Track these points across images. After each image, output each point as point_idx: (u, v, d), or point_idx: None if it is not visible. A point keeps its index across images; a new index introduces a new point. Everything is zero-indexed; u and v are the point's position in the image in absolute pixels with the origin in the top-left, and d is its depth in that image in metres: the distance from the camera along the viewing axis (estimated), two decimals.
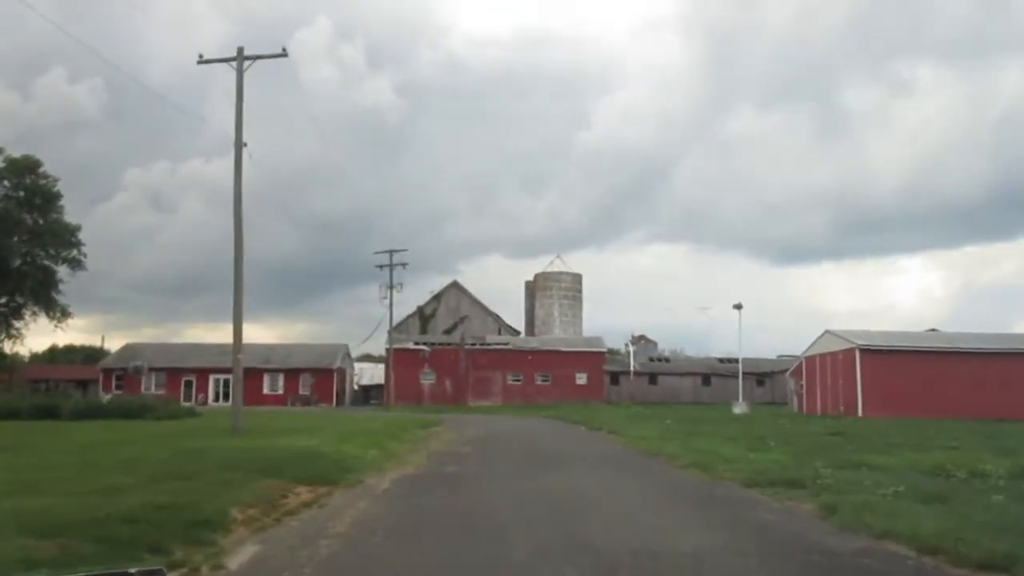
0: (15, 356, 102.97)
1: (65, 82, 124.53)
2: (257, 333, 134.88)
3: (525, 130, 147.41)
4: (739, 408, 54.90)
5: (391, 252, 72.36)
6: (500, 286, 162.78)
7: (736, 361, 78.74)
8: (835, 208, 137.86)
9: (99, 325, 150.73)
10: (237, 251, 25.09)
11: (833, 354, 48.08)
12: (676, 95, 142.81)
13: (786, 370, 76.43)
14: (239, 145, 25.36)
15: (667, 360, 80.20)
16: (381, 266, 72.42)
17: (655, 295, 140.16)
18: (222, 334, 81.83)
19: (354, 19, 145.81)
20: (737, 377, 75.97)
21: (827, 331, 49.74)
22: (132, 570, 1.26)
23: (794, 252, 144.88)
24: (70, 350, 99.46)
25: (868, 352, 45.01)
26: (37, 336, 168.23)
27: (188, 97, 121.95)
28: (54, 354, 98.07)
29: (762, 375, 75.77)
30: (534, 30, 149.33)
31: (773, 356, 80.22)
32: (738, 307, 57.07)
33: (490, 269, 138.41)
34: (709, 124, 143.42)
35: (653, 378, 77.17)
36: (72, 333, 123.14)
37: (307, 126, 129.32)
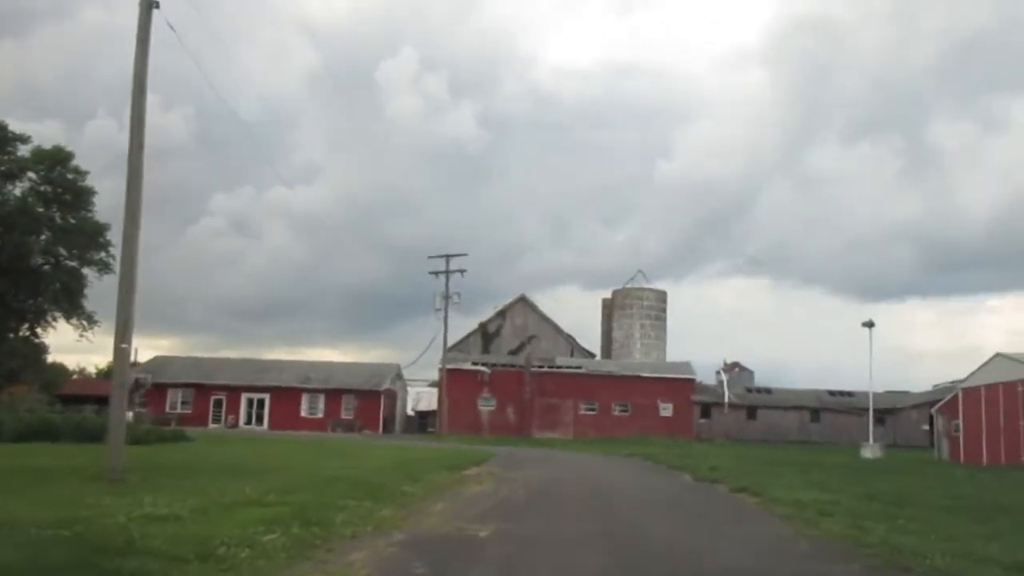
0: (61, 369, 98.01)
1: (159, 109, 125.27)
2: (331, 358, 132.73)
3: (605, 161, 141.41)
4: (869, 451, 43.72)
5: (447, 257, 62.96)
6: (575, 317, 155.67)
7: (851, 395, 67.34)
8: (921, 245, 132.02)
9: (181, 347, 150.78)
10: (130, 195, 15.59)
11: (1010, 385, 36.62)
12: (760, 127, 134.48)
13: (912, 406, 64.61)
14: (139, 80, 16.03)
15: (768, 392, 68.68)
16: (436, 273, 63.09)
17: (735, 329, 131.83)
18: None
19: (439, 49, 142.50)
20: (853, 414, 64.65)
21: (999, 355, 38.24)
22: None
23: (878, 289, 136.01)
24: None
25: None
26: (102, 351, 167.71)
27: (274, 127, 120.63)
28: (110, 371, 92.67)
29: (881, 412, 63.61)
30: (619, 61, 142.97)
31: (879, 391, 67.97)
32: (869, 325, 45.87)
33: (564, 299, 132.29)
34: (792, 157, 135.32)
35: (752, 412, 65.73)
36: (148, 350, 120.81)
37: (391, 156, 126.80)
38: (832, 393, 67.90)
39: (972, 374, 40.58)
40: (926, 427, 63.04)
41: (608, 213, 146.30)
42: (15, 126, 54.46)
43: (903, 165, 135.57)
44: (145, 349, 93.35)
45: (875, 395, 62.79)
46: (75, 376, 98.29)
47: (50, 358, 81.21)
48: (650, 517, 12.72)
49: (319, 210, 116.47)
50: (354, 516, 11.13)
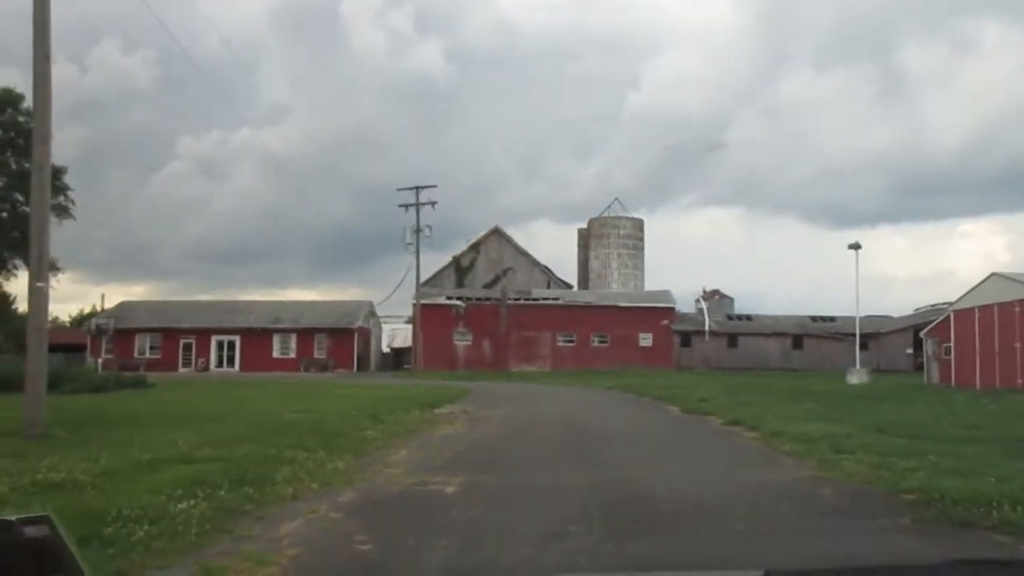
0: (22, 317, 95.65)
1: (119, 53, 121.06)
2: (306, 299, 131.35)
3: (575, 94, 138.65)
4: (856, 377, 42.64)
5: (416, 188, 60.84)
6: (550, 250, 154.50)
7: (832, 320, 66.46)
8: (892, 171, 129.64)
9: (155, 292, 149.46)
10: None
11: (1006, 306, 35.40)
12: (729, 57, 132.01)
13: (895, 331, 63.83)
14: None
15: (749, 319, 67.59)
16: (406, 206, 61.04)
17: (710, 260, 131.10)
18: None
19: None
20: (836, 339, 63.77)
21: (994, 274, 36.92)
22: (11, 518, 1.23)
23: (850, 217, 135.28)
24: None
25: None
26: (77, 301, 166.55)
27: (236, 69, 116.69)
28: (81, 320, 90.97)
29: (864, 337, 62.73)
30: None
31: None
32: (855, 247, 44.43)
33: (538, 233, 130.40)
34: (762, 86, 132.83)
35: (733, 339, 64.66)
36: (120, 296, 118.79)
37: (358, 94, 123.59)
38: (814, 319, 66.94)
39: (965, 295, 39.35)
40: (909, 351, 62.42)
41: (579, 147, 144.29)
42: None
43: (873, 93, 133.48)
44: (119, 296, 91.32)
45: (859, 319, 61.94)
46: (48, 325, 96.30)
47: (24, 307, 78.93)
48: (641, 462, 11.18)
49: (287, 151, 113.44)
50: (300, 471, 9.50)
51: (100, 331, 62.22)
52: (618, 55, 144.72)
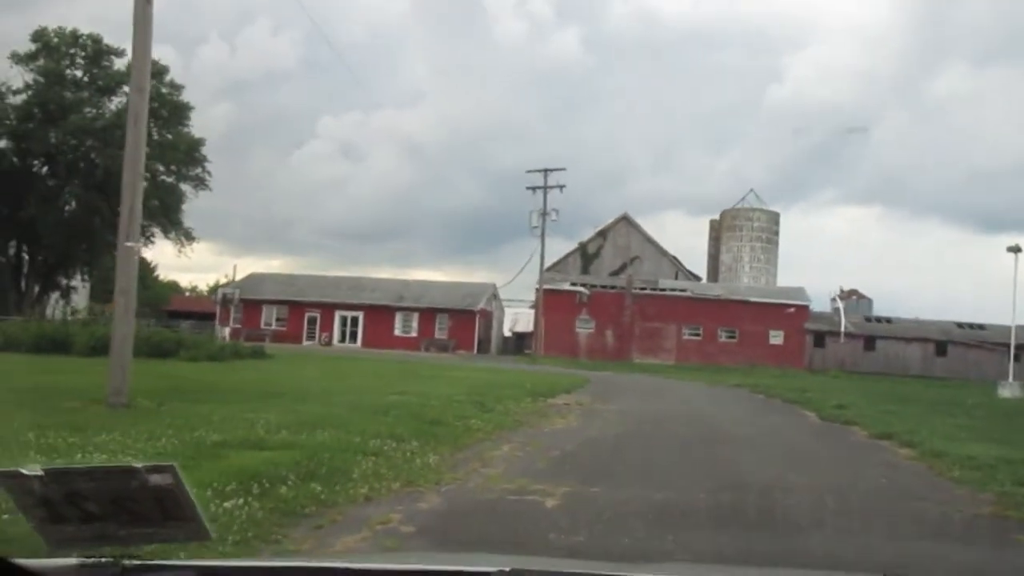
0: (174, 286, 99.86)
1: (268, 34, 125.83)
2: (434, 279, 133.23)
3: (714, 85, 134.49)
4: (1008, 390, 39.10)
5: (545, 171, 59.49)
6: (679, 243, 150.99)
7: (982, 327, 61.83)
8: None
9: (291, 267, 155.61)
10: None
11: None
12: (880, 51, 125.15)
13: None
14: None
15: (888, 321, 63.60)
16: (534, 188, 59.84)
17: (846, 259, 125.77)
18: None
19: None
20: (984, 348, 59.27)
21: None
22: (138, 465, 1.30)
23: (999, 221, 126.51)
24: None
25: None
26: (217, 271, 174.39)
27: (378, 53, 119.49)
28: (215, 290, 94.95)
29: (1017, 348, 58.04)
30: None
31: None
32: (1015, 250, 40.75)
33: (667, 225, 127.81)
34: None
35: (870, 342, 60.91)
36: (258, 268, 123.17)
37: (495, 80, 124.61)
38: (960, 325, 62.41)
39: None
40: None
41: (715, 139, 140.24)
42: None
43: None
44: (257, 268, 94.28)
45: (1007, 328, 57.38)
46: (187, 293, 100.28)
47: (166, 275, 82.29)
48: (783, 481, 9.49)
49: (423, 134, 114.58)
50: (383, 466, 8.32)
51: (226, 300, 63.67)
52: (762, 46, 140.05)
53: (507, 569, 1.40)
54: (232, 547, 5.13)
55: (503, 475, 8.60)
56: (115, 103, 54.67)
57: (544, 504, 7.13)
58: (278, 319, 65.21)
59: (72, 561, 1.39)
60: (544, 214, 58.89)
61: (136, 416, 10.70)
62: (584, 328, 61.71)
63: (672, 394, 26.21)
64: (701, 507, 7.43)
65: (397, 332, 64.15)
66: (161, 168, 56.56)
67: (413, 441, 10.09)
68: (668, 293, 61.95)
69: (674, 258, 71.16)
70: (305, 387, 17.52)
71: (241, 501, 6.05)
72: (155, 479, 1.32)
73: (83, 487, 1.32)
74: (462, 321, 63.59)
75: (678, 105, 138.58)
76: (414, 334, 63.93)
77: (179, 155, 55.98)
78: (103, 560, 1.39)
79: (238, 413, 11.07)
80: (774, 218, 75.23)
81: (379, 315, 64.04)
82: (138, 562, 1.40)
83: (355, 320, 64.60)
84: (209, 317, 67.55)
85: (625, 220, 72.13)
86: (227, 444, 8.44)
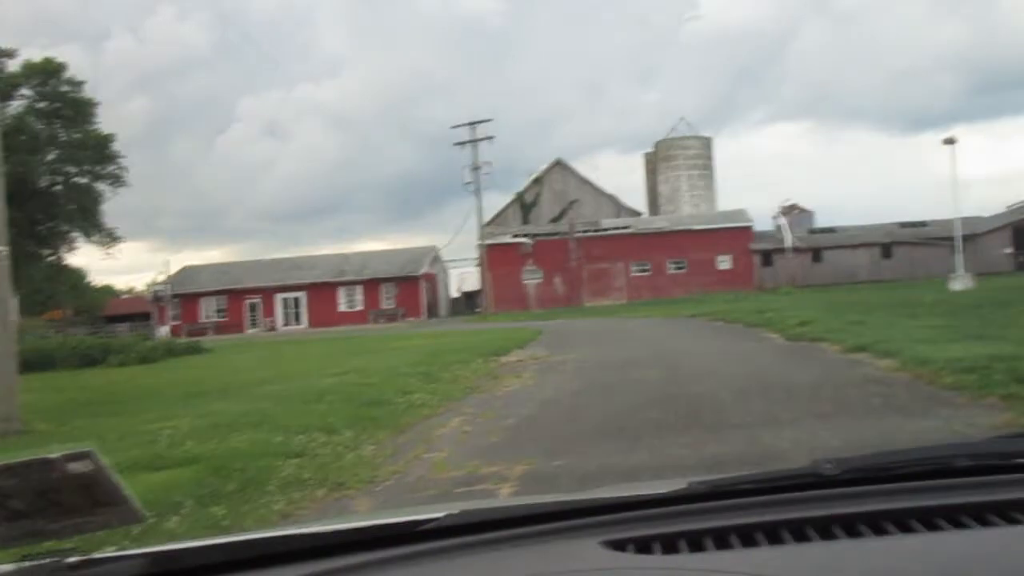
0: (109, 291, 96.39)
1: (174, 20, 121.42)
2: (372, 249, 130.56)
3: (631, 19, 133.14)
4: (960, 283, 38.95)
5: (472, 124, 57.92)
6: (616, 181, 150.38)
7: (924, 224, 61.98)
8: (963, 70, 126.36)
9: (230, 256, 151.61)
10: None
11: None
12: None
13: (990, 231, 59.09)
14: None
15: (832, 231, 63.43)
16: (462, 143, 58.25)
17: (782, 176, 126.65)
18: None
19: None
20: (929, 245, 59.46)
21: None
22: (55, 456, 1.24)
23: (922, 120, 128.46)
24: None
25: None
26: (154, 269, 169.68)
27: (292, 25, 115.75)
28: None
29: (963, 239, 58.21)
30: None
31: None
32: (950, 142, 40.32)
33: (602, 165, 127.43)
34: None
35: (817, 254, 60.71)
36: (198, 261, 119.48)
37: (413, 39, 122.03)
38: (903, 225, 62.49)
39: None
40: (1008, 250, 58.00)
41: (640, 73, 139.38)
42: (36, 56, 50.87)
43: None
44: (197, 261, 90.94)
45: (950, 222, 57.44)
46: (124, 296, 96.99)
47: (100, 280, 79.30)
48: (770, 418, 8.35)
49: (348, 104, 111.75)
50: (307, 469, 7.00)
51: (158, 299, 61.37)
52: None
53: (456, 511, 1.43)
54: None
55: (450, 459, 7.34)
56: (14, 107, 51.79)
57: (499, 491, 5.88)
58: (218, 310, 63.20)
59: (8, 567, 1.30)
60: (476, 168, 57.47)
61: (25, 443, 9.24)
62: (532, 279, 60.62)
63: (629, 334, 25.19)
64: (688, 464, 6.25)
65: (342, 308, 62.60)
66: (73, 169, 53.87)
67: (347, 431, 8.78)
68: (611, 232, 61.01)
69: (613, 196, 70.16)
70: (233, 380, 16.07)
71: (113, 550, 4.69)
72: (75, 467, 1.25)
73: (3, 485, 1.25)
74: (407, 288, 62.18)
75: (600, 43, 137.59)
76: (360, 307, 62.43)
77: (90, 154, 53.23)
78: (45, 561, 1.29)
79: (143, 425, 9.65)
80: (707, 144, 74.52)
81: (322, 293, 62.32)
82: (82, 557, 1.31)
83: (297, 301, 62.82)
84: (147, 318, 65.21)
85: (559, 165, 70.87)
86: (118, 467, 7.07)
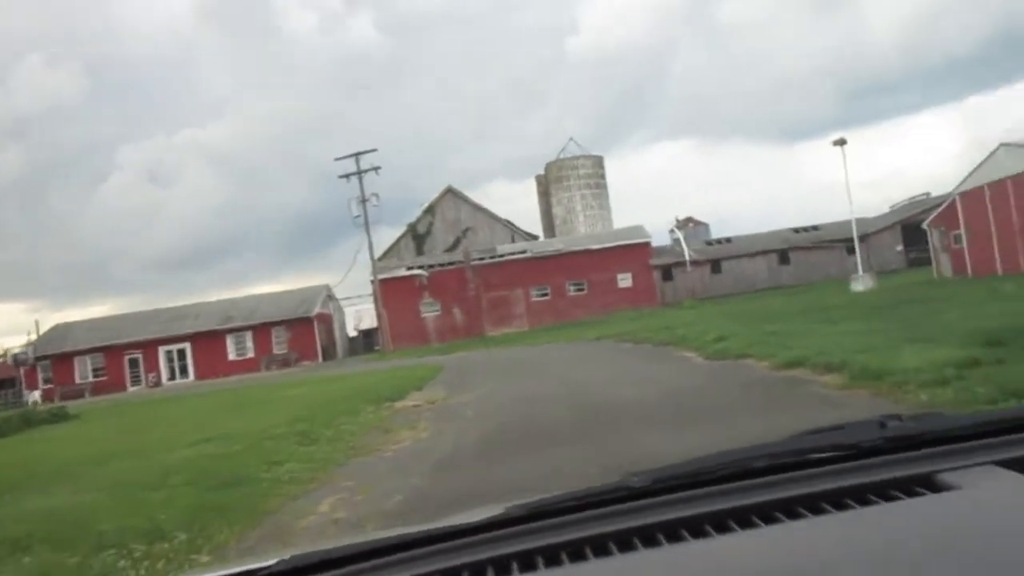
0: None
1: (44, 68, 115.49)
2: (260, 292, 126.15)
3: (517, 47, 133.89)
4: (861, 283, 38.63)
5: (357, 155, 55.63)
6: (509, 208, 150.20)
7: (816, 228, 62.46)
8: (834, 79, 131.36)
9: (118, 309, 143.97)
10: None
11: (1021, 178, 31.25)
12: None
13: (881, 230, 59.79)
14: None
15: (729, 241, 63.28)
16: (347, 176, 55.90)
17: (672, 192, 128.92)
18: None
19: None
20: (824, 248, 59.87)
21: (1002, 145, 32.62)
22: None
23: (800, 129, 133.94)
24: None
25: None
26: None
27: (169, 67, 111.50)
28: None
29: (852, 241, 58.72)
30: None
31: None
32: (840, 143, 40.06)
33: (494, 193, 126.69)
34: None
35: (716, 265, 60.35)
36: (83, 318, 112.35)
37: (296, 77, 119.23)
38: (796, 230, 62.85)
39: (970, 175, 35.10)
40: (899, 248, 58.73)
41: (527, 100, 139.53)
42: None
43: (810, 2, 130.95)
44: (79, 318, 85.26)
45: (840, 225, 57.85)
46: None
47: None
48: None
49: (233, 144, 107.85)
50: None
51: (19, 362, 56.83)
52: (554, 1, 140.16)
53: (287, 556, 1.44)
54: None
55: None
56: None
57: None
58: (95, 369, 58.88)
59: None
60: (363, 200, 55.12)
61: None
62: (430, 311, 58.45)
63: (535, 364, 23.36)
64: None
65: (232, 356, 59.17)
66: None
67: (180, 533, 6.61)
68: (508, 258, 59.38)
69: (507, 222, 68.67)
70: (76, 456, 13.53)
71: None
72: None
73: None
74: (301, 330, 59.21)
75: (486, 72, 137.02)
76: (251, 354, 59.13)
77: None
78: None
79: None
80: (599, 163, 73.93)
81: (209, 342, 58.76)
82: None
83: (182, 353, 59.05)
84: (13, 384, 60.38)
85: (451, 193, 69.01)
86: None
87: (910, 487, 1.40)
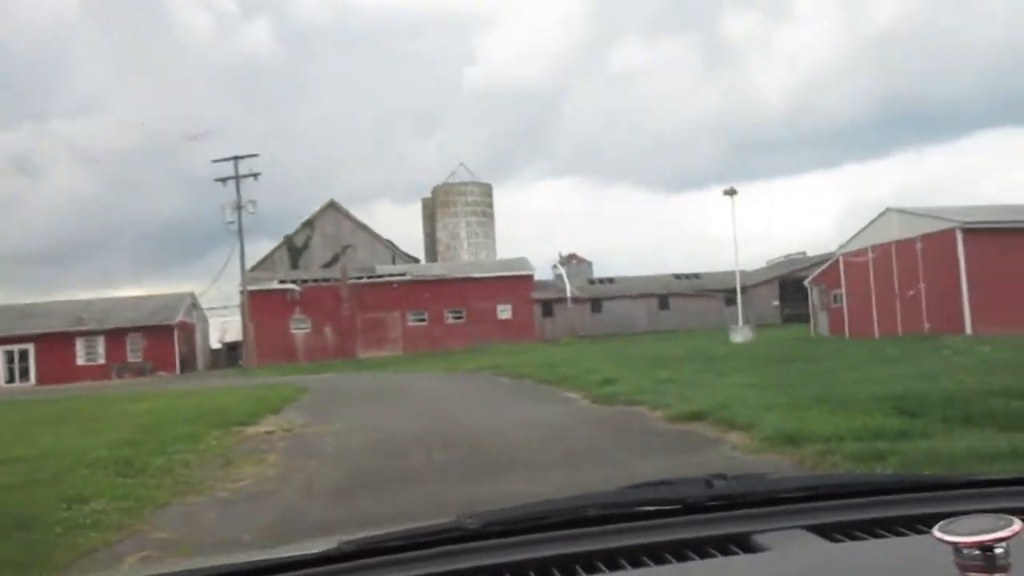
0: None
1: None
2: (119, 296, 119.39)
3: (413, 72, 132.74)
4: (740, 335, 38.47)
5: (235, 159, 52.87)
6: (393, 230, 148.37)
7: (697, 276, 63.00)
8: (720, 136, 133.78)
9: None
10: None
11: (905, 243, 31.59)
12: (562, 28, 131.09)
13: (759, 283, 60.73)
14: None
15: (611, 281, 63.10)
16: (224, 180, 53.05)
17: (557, 229, 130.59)
18: None
19: None
20: (703, 296, 60.39)
21: (889, 209, 33.00)
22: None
23: (683, 180, 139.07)
24: None
25: (974, 234, 28.71)
26: None
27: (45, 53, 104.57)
28: None
29: (731, 292, 59.43)
30: None
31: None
32: (731, 193, 40.05)
33: (379, 213, 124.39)
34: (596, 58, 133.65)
35: (597, 304, 59.95)
36: None
37: (183, 79, 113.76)
38: (678, 277, 63.22)
39: (855, 236, 35.52)
40: (775, 303, 59.75)
41: (418, 126, 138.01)
42: None
43: (701, 60, 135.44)
44: None
45: (720, 275, 58.51)
46: None
47: None
48: None
49: (107, 142, 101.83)
50: None
51: None
52: (455, 30, 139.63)
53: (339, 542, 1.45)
54: None
55: None
56: None
57: None
58: None
59: None
60: (239, 207, 52.38)
61: None
62: (300, 328, 55.90)
63: (408, 394, 21.70)
64: None
65: (81, 361, 55.06)
66: None
67: None
68: (387, 279, 57.46)
69: (389, 242, 66.81)
70: None
71: None
72: None
73: None
74: (158, 339, 55.61)
75: (380, 92, 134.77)
76: (102, 361, 55.13)
77: None
78: None
79: None
80: (488, 191, 72.96)
81: (55, 344, 54.46)
82: None
83: (24, 354, 54.56)
84: None
85: (332, 207, 66.68)
86: None
87: (726, 546, 1.43)
